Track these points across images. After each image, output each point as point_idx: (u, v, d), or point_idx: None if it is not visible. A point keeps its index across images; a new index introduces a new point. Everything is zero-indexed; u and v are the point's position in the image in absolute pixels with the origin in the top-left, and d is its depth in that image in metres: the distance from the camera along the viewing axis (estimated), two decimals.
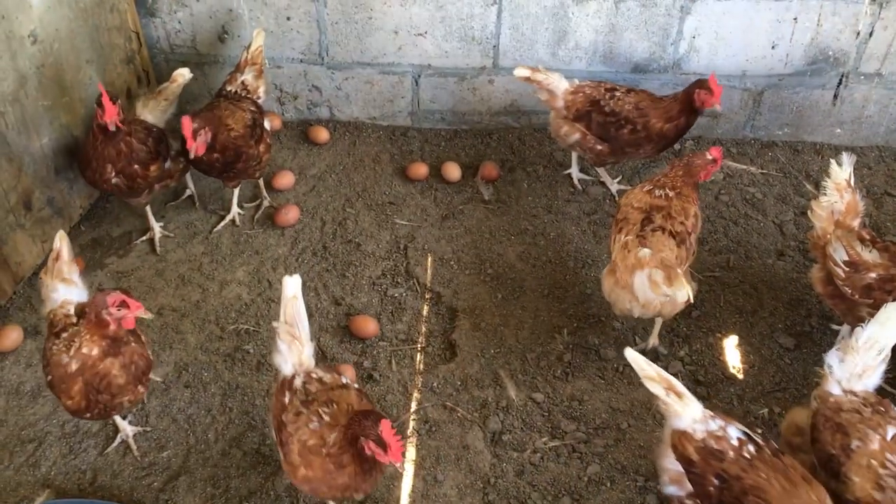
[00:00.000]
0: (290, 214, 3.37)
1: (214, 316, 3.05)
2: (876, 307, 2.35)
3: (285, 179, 3.54)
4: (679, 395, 2.18)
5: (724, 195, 3.57)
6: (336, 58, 3.71)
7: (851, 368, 2.26)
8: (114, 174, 3.03)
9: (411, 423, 2.72)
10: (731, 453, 2.09)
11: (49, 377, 2.31)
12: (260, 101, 3.40)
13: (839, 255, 2.65)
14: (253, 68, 3.40)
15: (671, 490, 2.23)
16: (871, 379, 2.28)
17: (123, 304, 2.22)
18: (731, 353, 2.94)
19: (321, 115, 3.90)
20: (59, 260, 2.49)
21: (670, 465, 2.21)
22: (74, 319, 2.38)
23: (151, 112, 3.29)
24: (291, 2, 3.55)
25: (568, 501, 2.52)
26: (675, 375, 2.80)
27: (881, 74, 3.56)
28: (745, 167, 3.69)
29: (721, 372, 2.87)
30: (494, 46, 3.62)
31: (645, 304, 2.65)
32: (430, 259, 3.28)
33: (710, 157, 2.83)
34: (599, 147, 3.29)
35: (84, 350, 2.25)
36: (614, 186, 3.56)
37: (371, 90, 3.79)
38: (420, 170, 3.62)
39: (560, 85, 3.31)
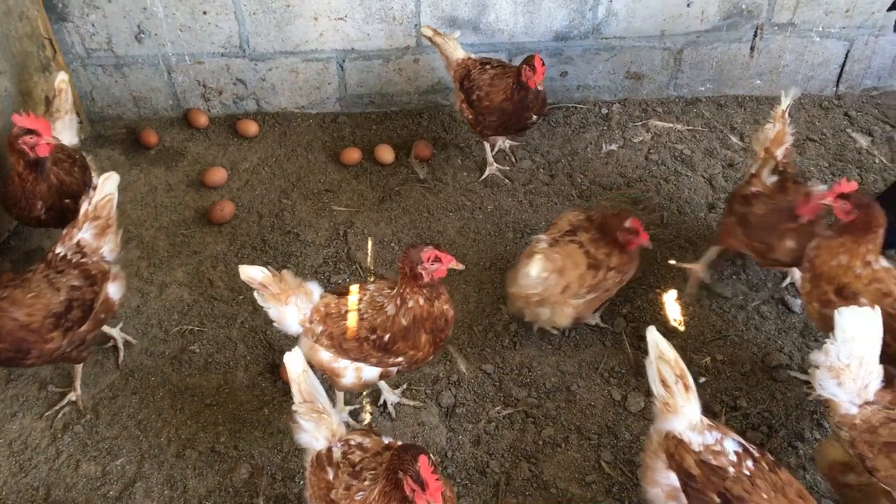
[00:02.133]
0: (226, 210, 3.33)
1: (157, 319, 3.01)
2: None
3: (217, 176, 3.50)
4: (687, 387, 2.08)
5: (654, 154, 3.64)
6: (258, 49, 3.66)
7: (854, 387, 2.13)
8: (44, 210, 2.81)
9: (367, 408, 2.73)
10: (732, 470, 2.01)
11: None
12: (104, 261, 2.62)
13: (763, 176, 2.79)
14: (95, 223, 2.62)
15: None
16: (875, 382, 2.16)
17: (436, 259, 2.24)
18: (672, 306, 3.01)
19: (248, 109, 3.86)
20: None
21: (663, 479, 2.10)
22: None
23: (65, 131, 3.03)
24: None
25: (526, 465, 2.57)
26: (618, 335, 2.93)
27: (794, 24, 3.65)
28: (671, 125, 3.77)
29: (663, 326, 2.95)
30: (416, 25, 3.62)
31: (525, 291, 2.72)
32: (370, 242, 3.28)
33: (629, 225, 2.68)
34: (470, 116, 3.34)
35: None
36: (491, 168, 3.55)
37: (297, 79, 3.76)
38: (353, 155, 3.61)
39: (455, 54, 3.36)
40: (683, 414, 2.07)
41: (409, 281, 2.24)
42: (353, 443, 2.11)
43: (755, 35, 3.69)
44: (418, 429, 2.68)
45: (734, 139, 3.66)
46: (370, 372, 2.39)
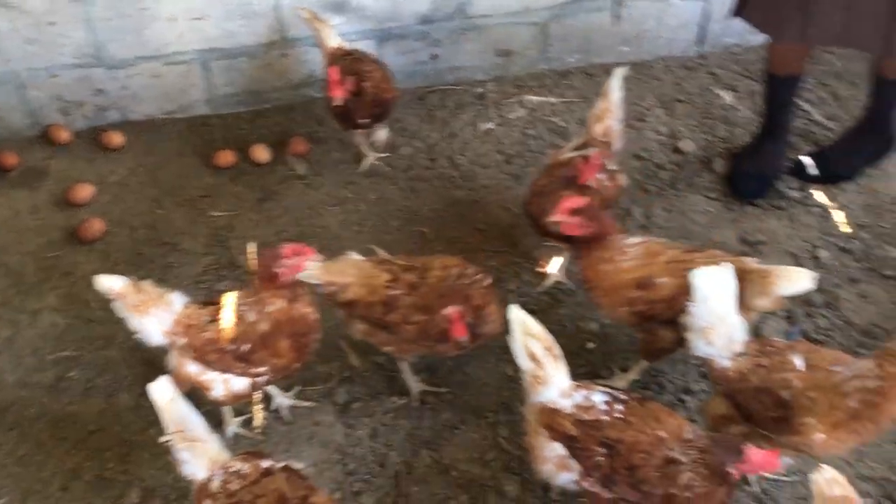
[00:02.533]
0: (94, 227, 3.18)
1: (31, 348, 2.86)
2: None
3: (83, 192, 3.34)
4: (556, 357, 2.13)
5: (531, 129, 3.67)
6: (116, 56, 3.51)
7: (722, 342, 2.21)
8: None
9: (260, 416, 2.67)
10: (607, 418, 2.08)
11: None
12: None
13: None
14: None
15: (563, 479, 2.17)
16: (740, 334, 2.23)
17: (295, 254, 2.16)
18: (557, 277, 3.04)
19: (113, 119, 3.70)
20: None
21: (549, 452, 2.14)
22: None
23: None
24: (52, 5, 3.32)
25: (426, 453, 2.57)
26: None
27: None
28: (545, 99, 3.81)
29: (550, 297, 2.98)
30: (279, 19, 3.53)
31: None
32: (252, 246, 3.21)
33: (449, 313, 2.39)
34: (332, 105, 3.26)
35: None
36: (368, 158, 3.51)
37: (161, 84, 3.63)
38: (227, 157, 3.51)
39: (330, 42, 3.30)
40: (553, 383, 2.12)
41: (267, 283, 2.19)
42: (232, 470, 2.02)
43: (617, 2, 3.75)
44: (315, 429, 2.63)
45: None
46: (239, 383, 2.33)
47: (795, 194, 3.30)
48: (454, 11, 3.66)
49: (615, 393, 2.15)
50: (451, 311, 2.28)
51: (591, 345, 2.85)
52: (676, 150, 3.53)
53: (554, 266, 3.03)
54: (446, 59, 3.81)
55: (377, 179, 3.46)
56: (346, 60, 3.21)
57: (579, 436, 2.07)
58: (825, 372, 2.13)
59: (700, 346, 2.24)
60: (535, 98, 3.81)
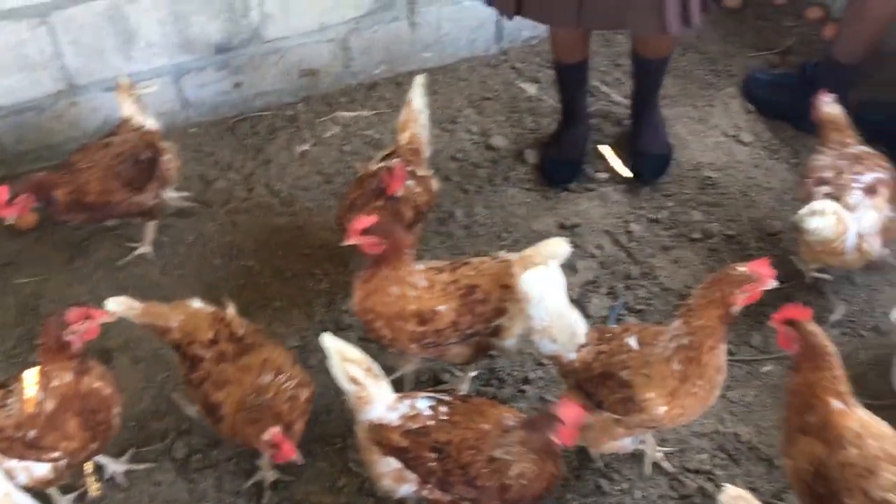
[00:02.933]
0: None
1: None
2: None
3: None
4: (376, 377, 2.15)
5: (347, 145, 3.65)
6: None
7: (565, 337, 2.25)
8: None
9: (94, 486, 2.52)
10: (433, 423, 2.13)
11: None
12: None
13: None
14: None
15: (403, 491, 2.20)
16: (580, 326, 2.28)
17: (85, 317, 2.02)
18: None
19: None
20: None
21: (384, 467, 2.16)
22: None
23: None
24: None
25: (273, 494, 2.50)
26: (348, 327, 2.91)
27: None
28: (357, 113, 3.80)
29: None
30: (62, 67, 3.36)
31: None
32: (67, 308, 3.02)
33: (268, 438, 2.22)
34: None
35: None
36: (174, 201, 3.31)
37: None
38: (29, 219, 3.30)
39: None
40: (378, 401, 2.13)
41: (53, 354, 2.07)
42: None
43: (410, 10, 3.79)
44: (155, 490, 2.52)
45: None
46: (40, 469, 2.19)
47: (603, 175, 3.45)
48: (250, 37, 3.59)
49: (439, 396, 2.19)
50: (269, 435, 2.14)
51: None
52: (490, 147, 3.61)
53: None
54: (251, 86, 3.74)
55: (195, 219, 3.35)
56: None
57: (409, 445, 2.09)
58: (651, 346, 2.22)
59: (545, 345, 2.28)
60: (347, 114, 3.80)
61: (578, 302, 2.97)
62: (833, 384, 2.03)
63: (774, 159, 3.44)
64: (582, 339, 2.26)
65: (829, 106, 2.95)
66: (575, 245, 3.15)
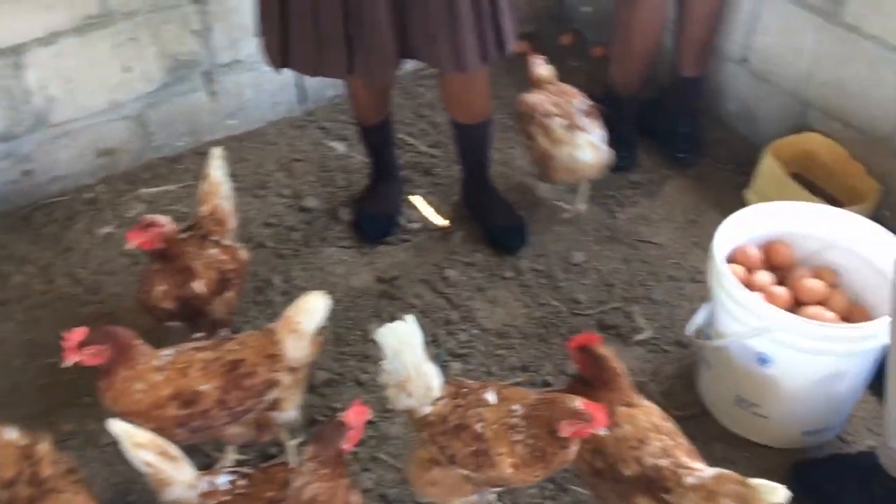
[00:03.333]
0: None
1: None
2: None
3: None
4: (173, 458, 2.08)
5: None
6: None
7: (421, 392, 2.22)
8: None
9: None
10: (228, 498, 2.08)
11: None
12: None
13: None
14: None
15: None
16: (436, 380, 2.24)
17: None
18: None
19: None
20: None
21: None
22: None
23: None
24: None
25: None
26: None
27: (239, 61, 3.78)
28: (161, 189, 3.70)
29: None
30: None
31: None
32: None
33: None
34: None
35: None
36: None
37: None
38: None
39: None
40: (177, 482, 2.08)
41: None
42: None
43: (208, 80, 3.75)
44: None
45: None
46: None
47: (416, 225, 3.52)
48: (35, 123, 3.42)
49: (242, 470, 2.17)
50: None
51: None
52: (303, 209, 3.61)
53: None
54: (43, 172, 3.56)
55: None
56: None
57: None
58: (507, 406, 2.19)
59: (401, 400, 2.25)
60: (151, 190, 3.69)
61: None
62: (623, 399, 2.24)
63: (573, 192, 3.63)
64: (437, 393, 2.25)
65: (540, 67, 3.39)
66: (395, 297, 3.22)
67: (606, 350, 2.27)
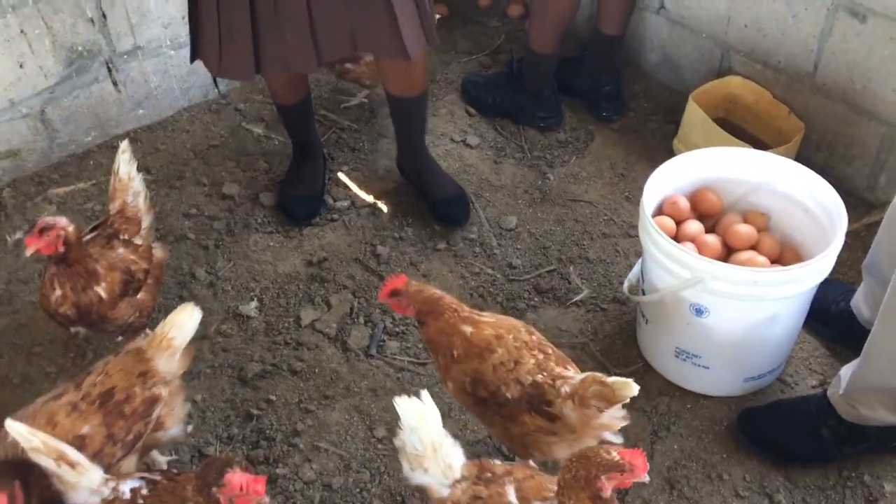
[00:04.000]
0: None
1: None
2: None
3: None
4: (73, 463, 1.95)
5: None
6: None
7: (439, 470, 2.02)
8: None
9: None
10: None
11: None
12: None
13: None
14: None
15: None
16: (457, 459, 2.04)
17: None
18: None
19: None
20: None
21: None
22: None
23: None
24: None
25: None
26: None
27: (141, 47, 3.59)
28: (73, 187, 3.52)
29: None
30: None
31: None
32: None
33: None
34: None
35: None
36: None
37: None
38: None
39: None
40: (81, 486, 1.97)
41: None
42: None
43: (110, 70, 3.56)
44: None
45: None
46: None
47: (343, 203, 3.41)
48: None
49: (151, 476, 2.04)
50: None
51: (190, 427, 2.65)
52: (224, 197, 3.46)
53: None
54: None
55: None
56: None
57: None
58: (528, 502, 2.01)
59: (418, 476, 2.02)
60: (61, 190, 3.50)
61: (338, 337, 2.92)
62: (458, 319, 2.24)
63: (502, 157, 3.56)
64: (457, 474, 2.02)
65: None
66: (326, 280, 3.12)
67: (416, 284, 2.31)
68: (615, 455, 1.78)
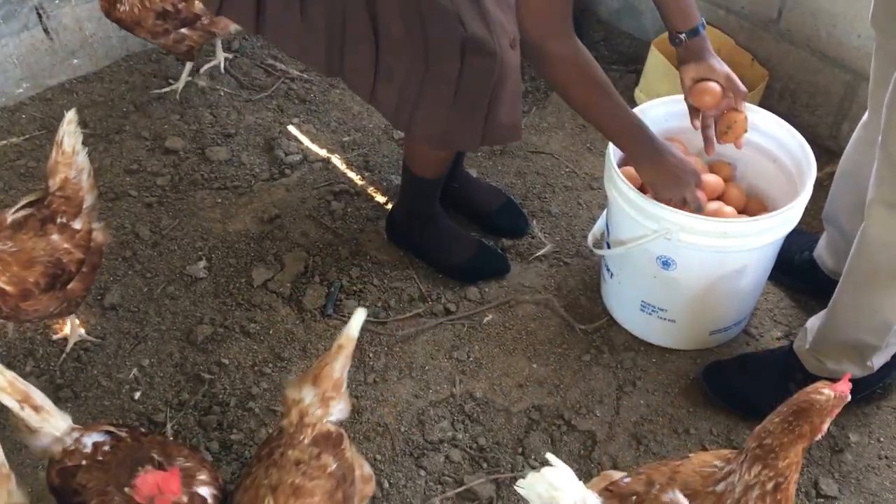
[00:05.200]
0: None
1: None
2: None
3: None
4: (37, 407, 1.86)
5: None
6: None
7: None
8: None
9: None
10: (85, 462, 1.88)
11: None
12: None
13: None
14: None
15: None
16: None
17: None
18: (76, 338, 2.67)
19: None
20: None
21: None
22: None
23: None
24: None
25: None
26: None
27: None
28: (2, 143, 3.29)
29: (76, 361, 2.61)
30: None
31: None
32: None
33: None
34: None
35: None
36: None
37: None
38: None
39: None
40: (46, 431, 1.89)
41: None
42: None
43: (40, 17, 3.33)
44: None
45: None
46: None
47: (296, 157, 3.25)
48: None
49: (115, 431, 1.95)
50: None
51: (137, 394, 2.55)
52: (168, 151, 3.28)
53: (70, 329, 2.65)
54: None
55: None
56: None
57: (59, 485, 1.88)
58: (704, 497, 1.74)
59: None
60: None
61: (292, 297, 2.80)
62: None
63: None
64: None
65: None
66: (278, 238, 2.99)
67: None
68: (830, 392, 1.67)
